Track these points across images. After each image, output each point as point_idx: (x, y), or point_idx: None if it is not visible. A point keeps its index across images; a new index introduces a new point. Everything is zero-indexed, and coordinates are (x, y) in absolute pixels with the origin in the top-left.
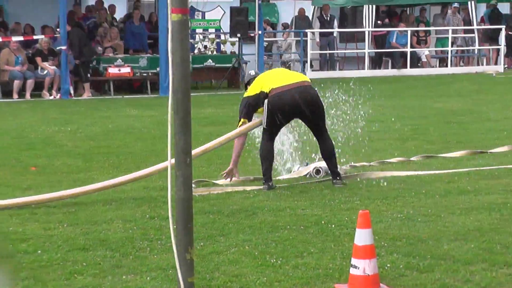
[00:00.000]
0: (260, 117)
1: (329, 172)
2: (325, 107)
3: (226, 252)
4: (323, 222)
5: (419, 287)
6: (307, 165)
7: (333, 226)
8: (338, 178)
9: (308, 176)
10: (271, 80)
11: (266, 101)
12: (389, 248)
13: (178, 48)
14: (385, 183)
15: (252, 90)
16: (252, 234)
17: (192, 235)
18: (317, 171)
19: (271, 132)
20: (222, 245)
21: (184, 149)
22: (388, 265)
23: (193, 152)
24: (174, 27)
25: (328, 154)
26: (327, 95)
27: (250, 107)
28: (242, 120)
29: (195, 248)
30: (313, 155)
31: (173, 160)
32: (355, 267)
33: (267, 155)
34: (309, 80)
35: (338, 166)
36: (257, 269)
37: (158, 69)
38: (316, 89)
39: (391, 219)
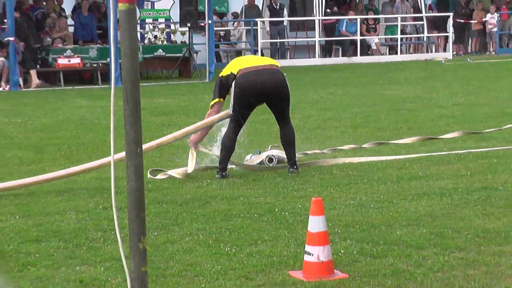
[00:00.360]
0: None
1: (282, 159)
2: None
3: (180, 241)
4: (276, 210)
5: (372, 273)
6: (259, 153)
7: (286, 213)
8: (295, 167)
9: (260, 164)
10: (241, 62)
11: (233, 83)
12: (342, 234)
13: (126, 38)
14: (337, 171)
15: (225, 71)
16: (206, 223)
17: (145, 224)
18: (270, 159)
19: (238, 119)
20: (176, 234)
21: (135, 139)
22: (341, 251)
23: (149, 145)
24: (121, 16)
25: (288, 142)
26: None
27: (222, 87)
28: (215, 99)
29: (149, 238)
30: (271, 146)
31: (123, 154)
32: (309, 254)
33: (229, 145)
34: (279, 65)
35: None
36: (212, 258)
37: (108, 59)
38: (284, 74)
39: (344, 206)
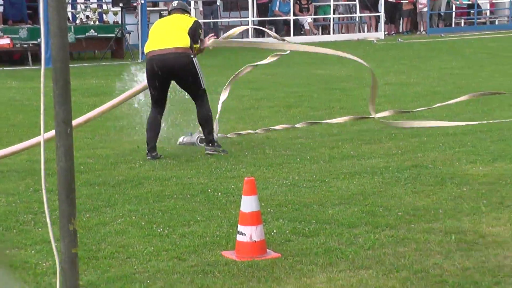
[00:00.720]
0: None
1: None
2: (200, 74)
3: (112, 223)
4: (209, 190)
5: (305, 252)
6: (191, 135)
7: (219, 194)
8: (209, 144)
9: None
10: (150, 40)
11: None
12: (275, 214)
13: (55, 17)
14: (270, 150)
15: None
16: (138, 204)
17: (75, 205)
18: (201, 140)
19: (153, 99)
20: (109, 216)
21: (64, 119)
22: (274, 230)
23: (76, 121)
24: None
25: (202, 121)
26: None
27: None
28: None
29: (81, 220)
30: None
31: (52, 132)
32: (242, 233)
33: (150, 125)
34: (184, 46)
35: (216, 134)
36: (144, 239)
37: (39, 40)
38: (191, 55)
39: (277, 186)
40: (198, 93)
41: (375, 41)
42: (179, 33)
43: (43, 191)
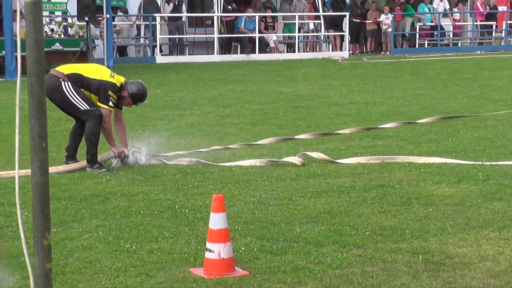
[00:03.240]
0: None
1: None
2: (71, 97)
3: (79, 238)
4: (176, 206)
5: (273, 270)
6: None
7: (187, 210)
8: (87, 165)
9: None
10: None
11: None
12: (243, 231)
13: (32, 30)
14: (237, 168)
15: None
16: (105, 219)
17: (49, 220)
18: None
19: None
20: (76, 231)
21: (40, 133)
22: (242, 248)
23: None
24: (27, 8)
25: (85, 139)
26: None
27: None
28: None
29: None
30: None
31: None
32: (210, 251)
33: (70, 134)
34: (63, 71)
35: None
36: (112, 255)
37: (3, 52)
38: (61, 80)
39: (244, 203)
40: (73, 113)
41: (340, 60)
42: (76, 66)
43: (18, 206)
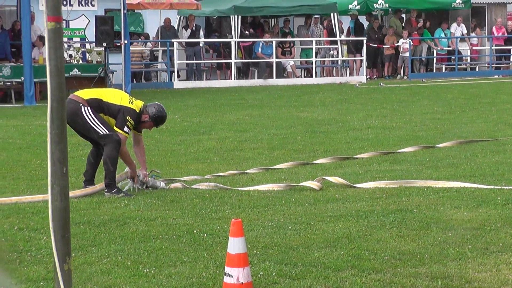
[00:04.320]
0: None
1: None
2: (91, 121)
3: (98, 262)
4: (195, 231)
5: None
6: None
7: (205, 235)
8: (105, 190)
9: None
10: None
11: None
12: (261, 256)
13: (52, 57)
14: (255, 192)
15: None
16: (124, 244)
17: (70, 245)
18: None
19: None
20: (94, 255)
21: (60, 158)
22: (261, 272)
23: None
24: (49, 35)
25: (103, 163)
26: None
27: None
28: None
29: None
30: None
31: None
32: (229, 275)
33: (87, 159)
34: (83, 96)
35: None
36: (131, 279)
37: (22, 78)
38: (81, 105)
39: (262, 228)
40: (91, 137)
41: (357, 85)
42: (92, 91)
43: (51, 230)
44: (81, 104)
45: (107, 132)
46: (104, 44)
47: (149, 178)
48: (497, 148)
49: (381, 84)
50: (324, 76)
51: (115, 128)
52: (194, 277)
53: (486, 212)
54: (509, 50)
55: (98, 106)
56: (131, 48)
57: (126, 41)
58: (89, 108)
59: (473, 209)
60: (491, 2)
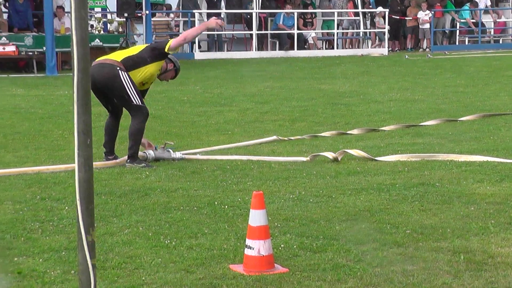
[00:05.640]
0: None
1: (161, 158)
2: (128, 88)
3: (119, 233)
4: (216, 203)
5: (312, 267)
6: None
7: (226, 207)
8: (128, 160)
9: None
10: None
11: None
12: (282, 228)
13: (78, 27)
14: (276, 164)
15: None
16: (145, 215)
17: (94, 216)
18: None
19: (103, 105)
20: (115, 226)
21: (84, 129)
22: (282, 245)
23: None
24: (75, 4)
25: (129, 133)
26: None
27: None
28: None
29: None
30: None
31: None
32: (250, 247)
33: (105, 130)
34: (112, 58)
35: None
36: (151, 250)
37: (44, 48)
38: (117, 68)
39: (283, 200)
40: (124, 104)
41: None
42: (120, 52)
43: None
44: (118, 68)
45: (140, 103)
46: (126, 15)
47: (166, 150)
48: None
49: (406, 56)
50: (346, 48)
51: (167, 44)
52: (215, 248)
53: (510, 187)
54: None
55: (134, 63)
56: (155, 19)
57: (147, 12)
58: (126, 73)
59: (496, 183)
60: None
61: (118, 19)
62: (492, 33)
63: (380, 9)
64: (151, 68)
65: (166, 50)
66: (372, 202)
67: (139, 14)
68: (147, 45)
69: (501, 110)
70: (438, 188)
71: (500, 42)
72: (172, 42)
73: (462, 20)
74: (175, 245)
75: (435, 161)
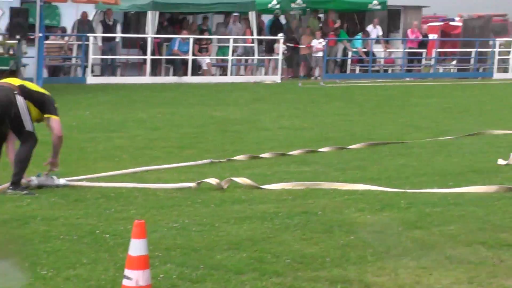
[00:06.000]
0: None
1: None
2: (24, 113)
3: None
4: (97, 231)
5: None
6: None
7: (107, 236)
8: (10, 187)
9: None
10: None
11: None
12: (163, 258)
13: None
14: (162, 192)
15: None
16: (23, 244)
17: None
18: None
19: None
20: None
21: None
22: (161, 275)
23: None
24: None
25: (15, 160)
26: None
27: None
28: None
29: None
30: None
31: None
32: (128, 278)
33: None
34: (15, 83)
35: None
36: (27, 281)
37: None
38: (16, 93)
39: (167, 229)
40: (21, 133)
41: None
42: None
43: None
44: (15, 92)
45: (32, 129)
46: (17, 37)
47: (50, 177)
48: (404, 151)
49: (300, 84)
50: (240, 75)
51: (49, 115)
52: (92, 279)
53: (389, 216)
54: (421, 53)
55: (28, 92)
56: (49, 42)
57: (40, 34)
58: (22, 97)
59: (377, 212)
60: (406, 5)
61: (9, 41)
62: (382, 62)
63: (280, 35)
64: (34, 111)
65: (45, 116)
66: (255, 231)
67: (32, 37)
68: (44, 92)
69: (387, 139)
70: (320, 217)
71: (389, 71)
72: (56, 123)
73: (353, 49)
74: (52, 275)
75: (319, 189)
